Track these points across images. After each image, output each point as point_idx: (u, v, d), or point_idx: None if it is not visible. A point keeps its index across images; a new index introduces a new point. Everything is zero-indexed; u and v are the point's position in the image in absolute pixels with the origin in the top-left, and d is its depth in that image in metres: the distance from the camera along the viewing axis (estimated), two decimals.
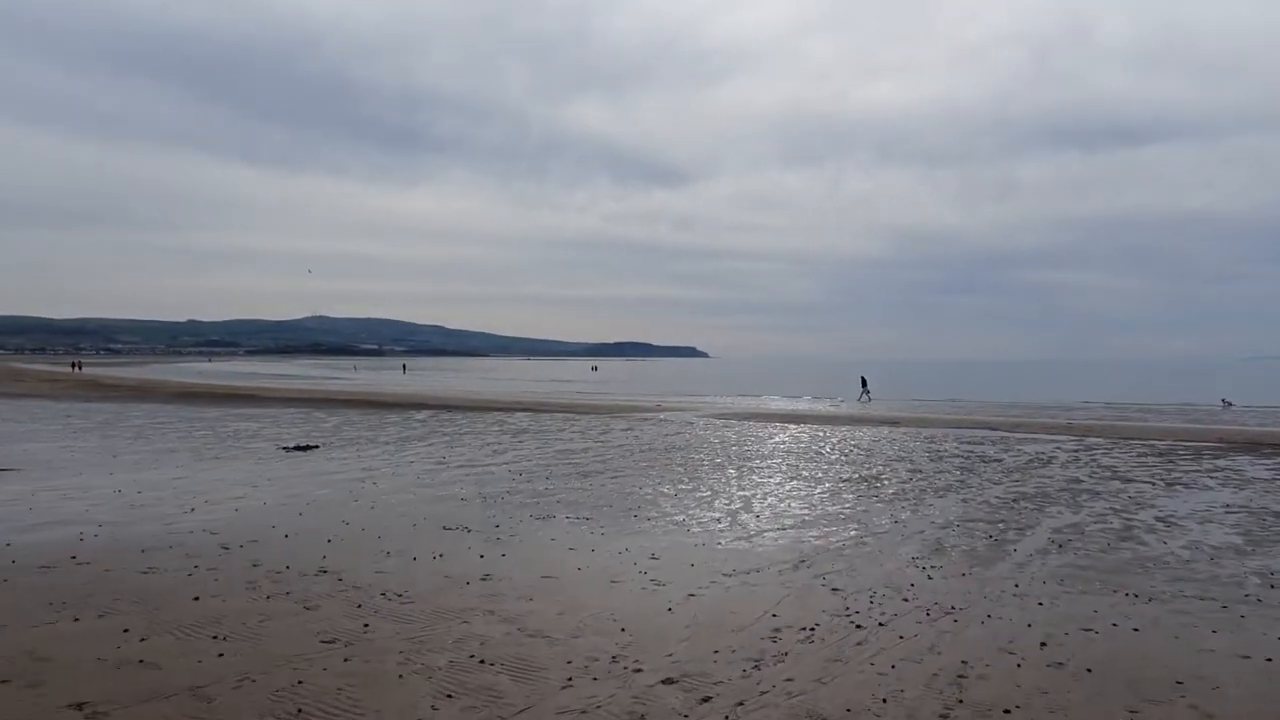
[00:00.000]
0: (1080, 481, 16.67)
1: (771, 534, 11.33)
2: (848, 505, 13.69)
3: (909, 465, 19.01)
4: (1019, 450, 22.47)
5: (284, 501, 13.20)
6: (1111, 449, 22.95)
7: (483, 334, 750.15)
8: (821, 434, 26.89)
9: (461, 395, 51.13)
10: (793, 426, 29.81)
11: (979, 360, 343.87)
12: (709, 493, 14.73)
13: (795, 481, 16.32)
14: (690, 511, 12.87)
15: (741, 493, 14.77)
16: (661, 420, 31.97)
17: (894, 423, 31.72)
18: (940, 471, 17.93)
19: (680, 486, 15.36)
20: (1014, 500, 14.31)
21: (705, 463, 19.04)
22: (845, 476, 17.04)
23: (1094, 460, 20.25)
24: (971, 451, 22.00)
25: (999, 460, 20.15)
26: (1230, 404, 46.89)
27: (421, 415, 33.35)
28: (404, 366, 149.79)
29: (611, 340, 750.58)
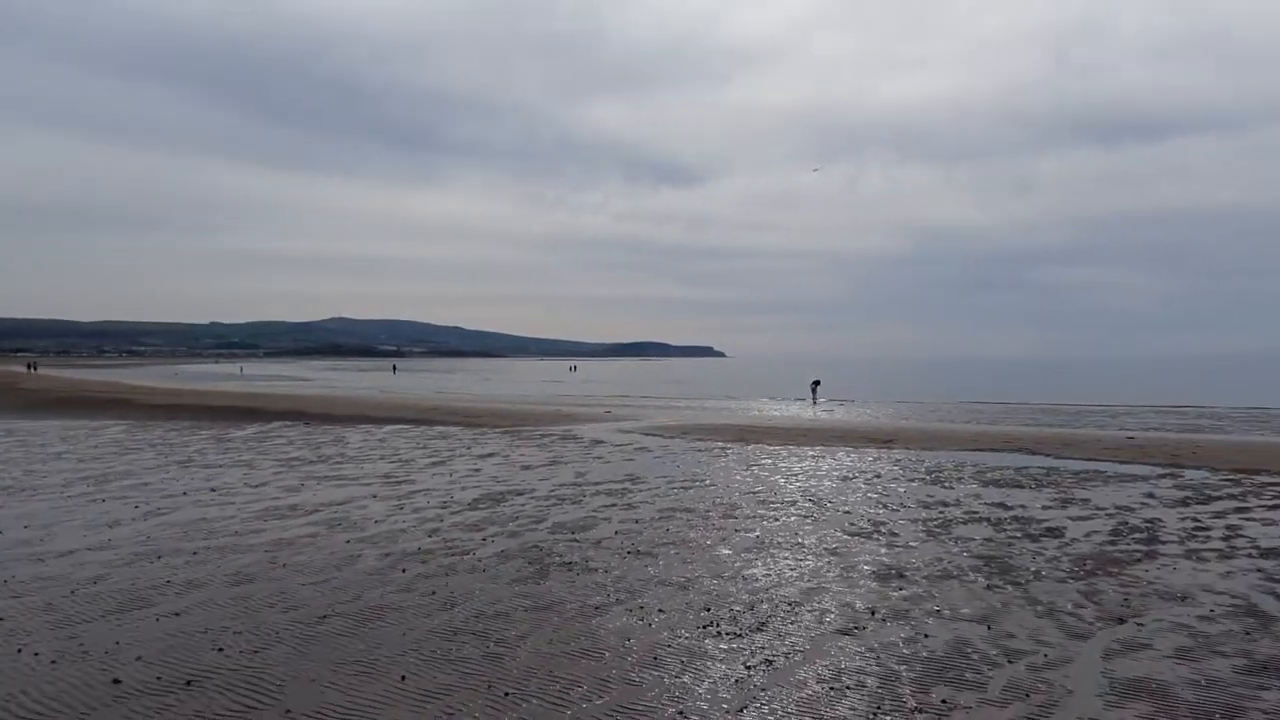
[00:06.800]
0: (1258, 610, 7.51)
1: None
2: None
3: (878, 549, 9.89)
4: (1084, 500, 13.29)
5: None
6: (1242, 496, 13.71)
7: (501, 335, 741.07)
8: (771, 460, 17.78)
9: (366, 400, 41.90)
10: (734, 449, 20.61)
11: (998, 358, 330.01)
12: None
13: (609, 611, 7.25)
14: None
15: None
16: (570, 437, 22.90)
17: (888, 441, 22.40)
18: (942, 574, 8.79)
19: None
20: (1140, 698, 5.14)
21: (519, 541, 10.01)
22: (728, 595, 7.93)
23: (1235, 531, 11.03)
24: (1003, 506, 12.83)
25: (1057, 531, 10.99)
26: None
27: (246, 430, 24.47)
28: (394, 367, 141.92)
29: (629, 340, 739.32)
